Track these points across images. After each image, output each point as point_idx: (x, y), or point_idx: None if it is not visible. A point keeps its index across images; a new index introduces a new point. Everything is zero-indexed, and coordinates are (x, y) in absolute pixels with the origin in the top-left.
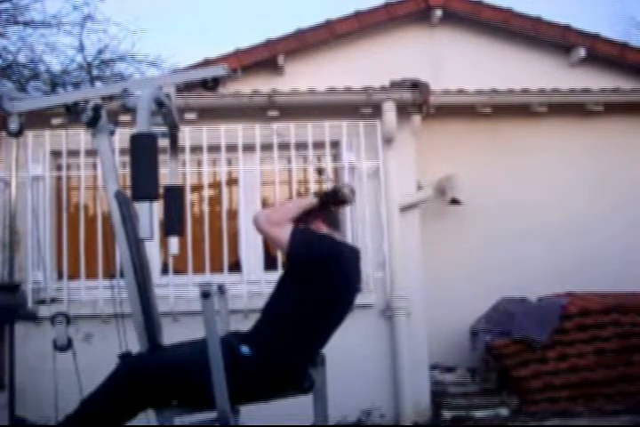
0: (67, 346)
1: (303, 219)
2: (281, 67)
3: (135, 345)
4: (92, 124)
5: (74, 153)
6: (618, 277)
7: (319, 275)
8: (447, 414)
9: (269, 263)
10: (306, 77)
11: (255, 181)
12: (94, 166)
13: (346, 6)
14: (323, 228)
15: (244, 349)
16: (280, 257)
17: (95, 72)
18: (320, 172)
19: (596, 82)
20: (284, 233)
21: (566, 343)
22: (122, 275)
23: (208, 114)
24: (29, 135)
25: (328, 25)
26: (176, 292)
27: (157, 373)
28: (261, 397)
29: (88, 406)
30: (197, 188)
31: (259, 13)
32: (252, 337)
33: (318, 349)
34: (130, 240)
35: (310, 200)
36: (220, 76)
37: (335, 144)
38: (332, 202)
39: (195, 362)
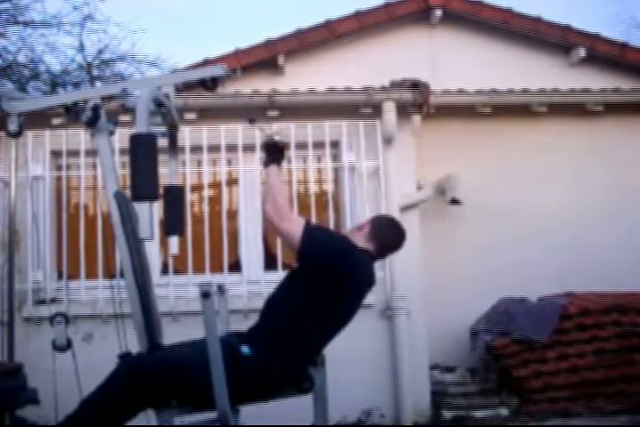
0: (66, 346)
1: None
2: (281, 67)
3: (135, 345)
4: (92, 124)
5: (74, 153)
6: (618, 277)
7: (329, 274)
8: (447, 414)
9: (269, 263)
10: (306, 77)
11: (255, 181)
12: (94, 166)
13: (346, 6)
14: (372, 249)
15: (244, 349)
16: (280, 257)
17: (95, 72)
18: (251, 121)
19: (596, 82)
20: (295, 228)
21: (566, 343)
22: (122, 275)
23: (208, 114)
24: (29, 135)
25: (328, 25)
26: (176, 292)
27: (157, 373)
28: (261, 397)
29: (88, 407)
30: (197, 188)
31: (259, 13)
32: (252, 337)
33: (320, 350)
34: (130, 240)
35: (272, 170)
36: (218, 76)
37: (335, 144)
38: (279, 155)
39: (195, 362)
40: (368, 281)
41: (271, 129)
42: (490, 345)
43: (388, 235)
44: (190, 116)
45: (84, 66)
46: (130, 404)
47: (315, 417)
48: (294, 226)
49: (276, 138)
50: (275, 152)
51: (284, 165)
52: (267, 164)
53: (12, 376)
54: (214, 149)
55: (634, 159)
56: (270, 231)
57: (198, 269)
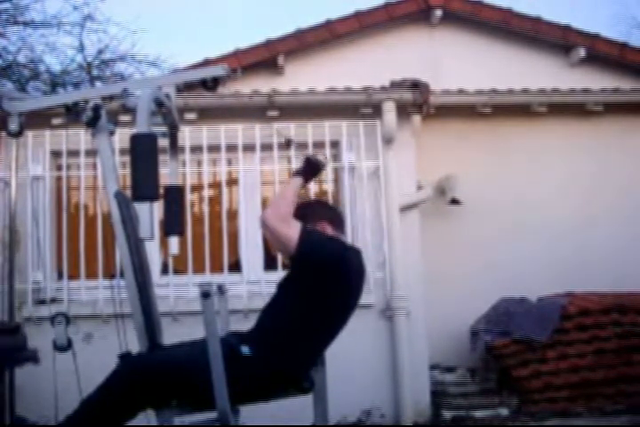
0: (66, 346)
1: (310, 221)
2: (281, 67)
3: (135, 345)
4: (92, 124)
5: (74, 153)
6: (618, 277)
7: (325, 277)
8: (447, 414)
9: (269, 263)
10: (306, 77)
11: (255, 181)
12: (94, 166)
13: (346, 6)
14: (329, 230)
15: (244, 349)
16: (280, 257)
17: (95, 72)
18: (288, 143)
19: (596, 82)
20: (292, 232)
21: (566, 343)
22: (122, 275)
23: (208, 114)
24: (29, 135)
25: (328, 25)
26: (176, 292)
27: (157, 373)
28: (261, 397)
29: (88, 407)
30: (197, 188)
31: (259, 13)
32: (252, 337)
33: (320, 350)
34: (130, 240)
35: (296, 182)
36: (219, 76)
37: (335, 144)
38: (311, 173)
39: (195, 362)
40: (361, 277)
41: (318, 151)
42: (490, 345)
43: (324, 212)
44: (190, 116)
45: (84, 66)
46: (130, 404)
47: (315, 417)
48: (292, 230)
49: (321, 158)
50: (310, 169)
51: (284, 165)
52: (297, 174)
53: (11, 334)
54: (214, 148)
55: (634, 159)
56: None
57: (198, 269)
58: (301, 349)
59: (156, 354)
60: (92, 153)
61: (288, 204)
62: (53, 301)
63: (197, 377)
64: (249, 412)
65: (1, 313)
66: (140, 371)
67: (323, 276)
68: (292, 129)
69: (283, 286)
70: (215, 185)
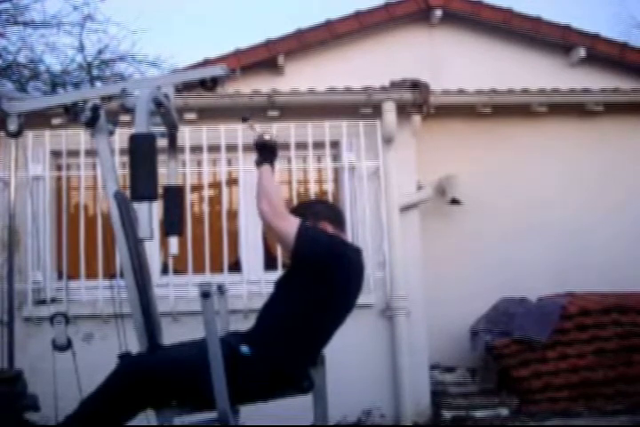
0: (66, 346)
1: (311, 220)
2: (281, 67)
3: (135, 345)
4: (91, 124)
5: (74, 153)
6: (618, 277)
7: (324, 274)
8: (447, 414)
9: (269, 263)
10: (306, 77)
11: (255, 181)
12: (94, 166)
13: (346, 6)
14: (329, 228)
15: (244, 349)
16: (280, 257)
17: (95, 72)
18: (244, 120)
19: (596, 82)
20: (290, 228)
21: (566, 343)
22: (122, 275)
23: (208, 114)
24: (29, 135)
25: (328, 25)
26: (176, 292)
27: (157, 373)
28: (261, 397)
29: (88, 407)
30: (197, 188)
31: (259, 13)
32: (251, 337)
33: (319, 349)
34: (129, 240)
35: (266, 170)
36: (218, 76)
37: (335, 144)
38: (270, 155)
39: (194, 362)
40: (360, 276)
41: (262, 129)
42: (490, 345)
43: (325, 211)
44: (190, 116)
45: (84, 66)
46: (130, 404)
47: (315, 417)
48: (289, 225)
49: (266, 137)
50: (266, 151)
51: (285, 165)
52: (258, 163)
53: (11, 383)
54: (214, 148)
55: (634, 159)
56: (266, 231)
57: (198, 269)
58: (301, 348)
59: (155, 354)
60: (91, 153)
61: (273, 192)
62: (53, 301)
63: (197, 377)
64: (249, 412)
65: (1, 313)
66: (139, 371)
67: (321, 273)
68: (292, 129)
69: (281, 284)
70: (215, 185)
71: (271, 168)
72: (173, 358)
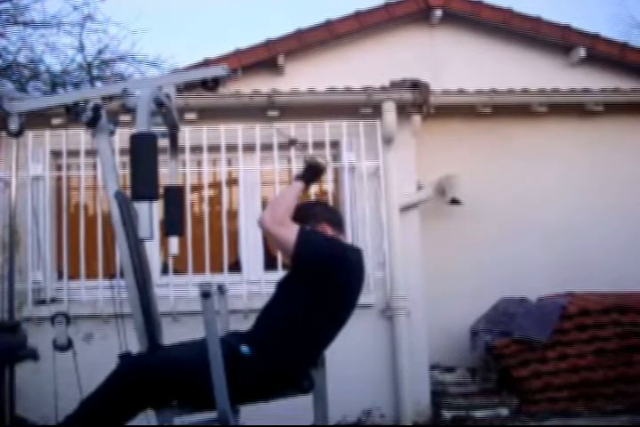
0: (66, 346)
1: (310, 222)
2: (281, 67)
3: (135, 345)
4: (92, 124)
5: (74, 153)
6: (618, 277)
7: (324, 277)
8: (447, 414)
9: (269, 263)
10: (306, 77)
11: (255, 181)
12: (94, 166)
13: (346, 6)
14: (328, 230)
15: (244, 349)
16: (280, 257)
17: (95, 72)
18: (293, 143)
19: (596, 82)
20: (290, 233)
21: (566, 343)
22: (122, 275)
23: (208, 114)
24: (29, 135)
25: (328, 25)
26: (176, 292)
27: (157, 373)
28: (261, 397)
29: (88, 407)
30: (197, 188)
31: (259, 13)
32: (252, 337)
33: (320, 350)
34: (130, 240)
35: (297, 186)
36: (219, 76)
37: (335, 144)
38: (312, 176)
39: (195, 362)
40: (361, 277)
41: (318, 153)
42: (490, 345)
43: (324, 213)
44: (190, 116)
45: (84, 66)
46: (130, 404)
47: (315, 417)
48: (290, 232)
49: (320, 160)
50: (311, 171)
51: (284, 165)
52: (298, 178)
53: (10, 332)
54: (214, 148)
55: (634, 159)
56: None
57: (198, 269)
58: (301, 348)
59: (156, 354)
60: (91, 153)
61: (286, 207)
62: (53, 301)
63: (197, 377)
64: (249, 412)
65: (1, 313)
66: (139, 371)
67: (321, 276)
68: (292, 129)
69: (282, 285)
70: (215, 185)
71: (303, 187)
72: (173, 358)
